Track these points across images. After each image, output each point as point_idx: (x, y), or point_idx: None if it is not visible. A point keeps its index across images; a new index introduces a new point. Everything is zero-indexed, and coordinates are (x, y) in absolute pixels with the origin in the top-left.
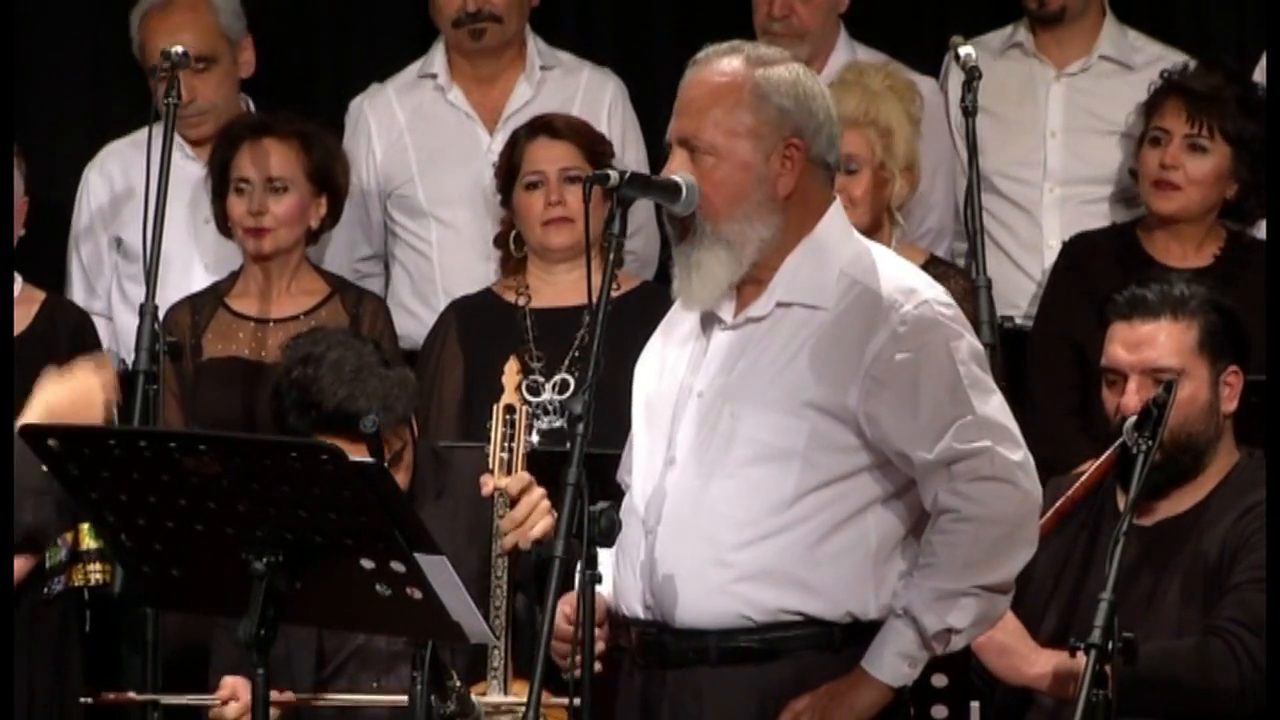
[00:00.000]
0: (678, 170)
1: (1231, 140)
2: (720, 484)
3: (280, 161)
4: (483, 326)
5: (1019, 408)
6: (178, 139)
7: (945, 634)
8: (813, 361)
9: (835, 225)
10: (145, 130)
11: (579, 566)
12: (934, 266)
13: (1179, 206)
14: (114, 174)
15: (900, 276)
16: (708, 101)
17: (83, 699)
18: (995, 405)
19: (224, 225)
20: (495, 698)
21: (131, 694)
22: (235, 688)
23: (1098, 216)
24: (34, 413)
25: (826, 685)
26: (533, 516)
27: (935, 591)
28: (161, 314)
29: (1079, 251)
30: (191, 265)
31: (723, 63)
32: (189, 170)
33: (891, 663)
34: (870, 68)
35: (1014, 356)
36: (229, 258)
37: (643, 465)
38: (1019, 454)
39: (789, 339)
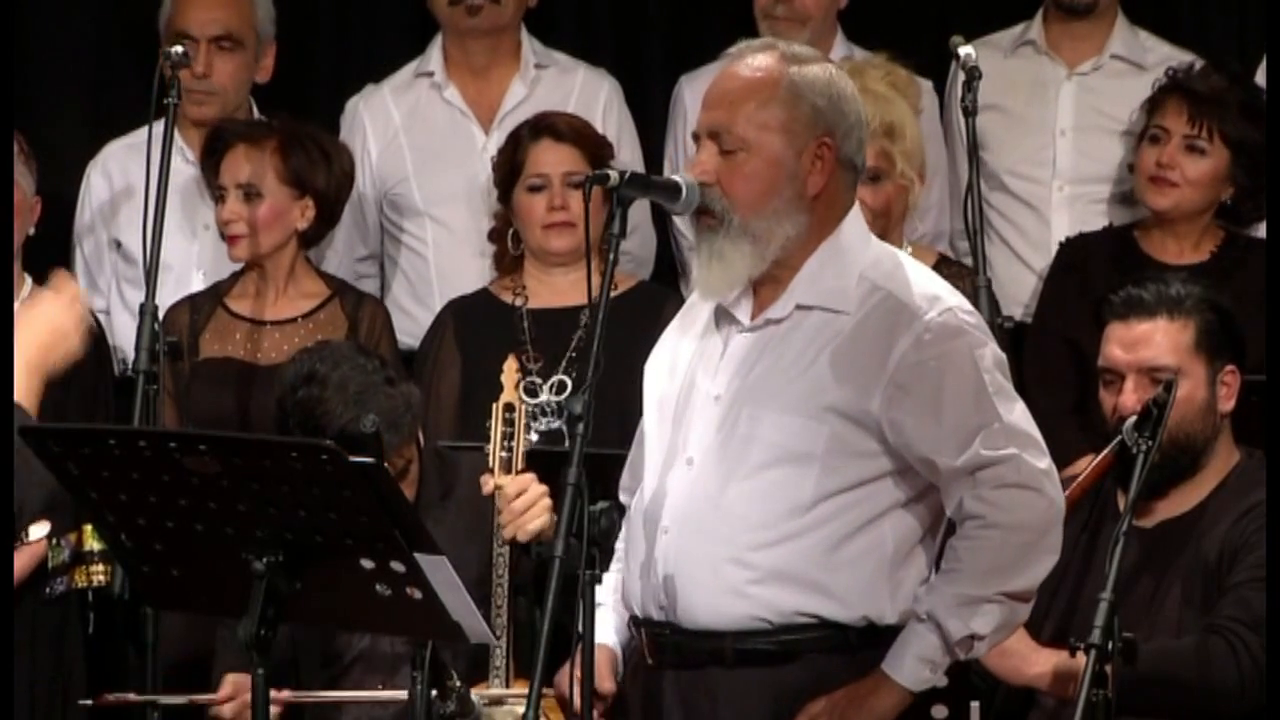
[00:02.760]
0: (707, 162)
1: (1231, 144)
2: (739, 486)
3: (252, 167)
4: (480, 326)
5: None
6: (178, 142)
7: (969, 640)
8: (834, 366)
9: (855, 228)
10: (143, 131)
11: (580, 583)
12: (945, 267)
13: (1173, 203)
14: (113, 174)
15: (923, 283)
16: (741, 95)
17: (82, 702)
18: (1019, 413)
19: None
20: (496, 690)
21: (132, 695)
22: (237, 686)
23: (1107, 215)
24: (20, 379)
25: (845, 688)
26: (532, 511)
27: (960, 597)
28: (161, 314)
29: (1075, 252)
30: (189, 271)
31: (757, 58)
32: (188, 174)
33: (913, 666)
34: (869, 67)
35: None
36: (227, 263)
37: (655, 465)
38: (1044, 462)
39: (809, 342)
